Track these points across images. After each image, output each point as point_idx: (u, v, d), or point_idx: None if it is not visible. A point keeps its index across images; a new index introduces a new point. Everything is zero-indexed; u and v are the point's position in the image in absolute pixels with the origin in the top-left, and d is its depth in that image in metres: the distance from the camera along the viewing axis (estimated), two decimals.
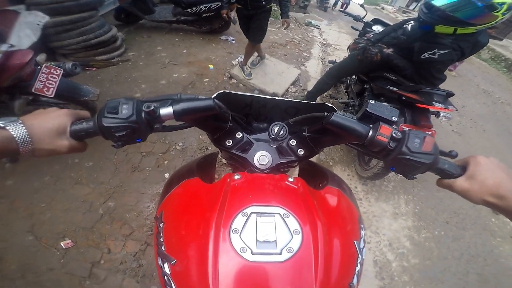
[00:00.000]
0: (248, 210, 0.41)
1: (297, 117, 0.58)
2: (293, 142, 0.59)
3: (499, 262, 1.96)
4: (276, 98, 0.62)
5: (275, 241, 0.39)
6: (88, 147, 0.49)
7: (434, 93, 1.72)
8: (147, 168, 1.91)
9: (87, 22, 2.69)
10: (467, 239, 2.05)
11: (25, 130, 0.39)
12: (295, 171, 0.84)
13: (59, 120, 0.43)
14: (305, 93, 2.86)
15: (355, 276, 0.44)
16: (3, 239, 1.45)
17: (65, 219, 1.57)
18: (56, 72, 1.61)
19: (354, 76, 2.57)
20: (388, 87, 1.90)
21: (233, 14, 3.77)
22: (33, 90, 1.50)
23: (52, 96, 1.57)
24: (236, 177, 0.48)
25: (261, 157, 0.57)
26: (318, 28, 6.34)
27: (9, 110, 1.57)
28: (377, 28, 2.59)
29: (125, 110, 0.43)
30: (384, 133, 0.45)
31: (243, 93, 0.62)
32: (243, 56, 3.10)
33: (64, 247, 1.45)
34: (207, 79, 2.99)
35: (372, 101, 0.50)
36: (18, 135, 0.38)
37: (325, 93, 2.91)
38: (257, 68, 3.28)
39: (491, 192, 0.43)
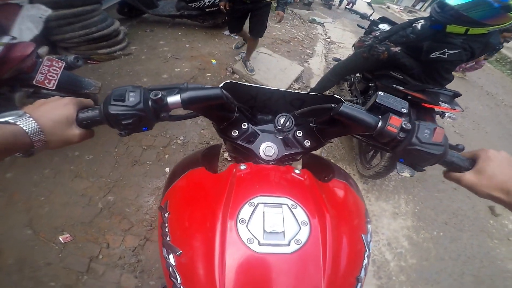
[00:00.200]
0: (255, 200, 0.41)
1: (303, 108, 0.57)
2: (299, 134, 0.58)
3: (495, 264, 1.96)
4: (282, 90, 0.62)
5: (283, 232, 0.39)
6: (89, 140, 0.48)
7: (440, 93, 1.70)
8: (147, 162, 1.90)
9: (90, 15, 2.65)
10: (464, 241, 2.06)
11: (35, 123, 0.38)
12: (299, 165, 0.84)
13: (66, 110, 0.42)
14: (308, 90, 2.84)
15: (362, 270, 0.44)
16: (1, 233, 1.44)
17: (64, 213, 1.56)
18: (58, 64, 1.59)
19: (358, 74, 2.54)
20: (393, 86, 1.87)
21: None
22: (34, 82, 1.49)
23: (53, 88, 1.55)
24: (242, 167, 0.48)
25: (267, 148, 0.57)
26: (322, 26, 6.29)
27: (9, 102, 1.56)
28: (384, 26, 2.56)
29: (132, 98, 0.43)
30: (394, 123, 0.44)
31: (249, 84, 0.61)
32: (245, 52, 3.08)
33: (62, 241, 1.44)
34: (209, 74, 2.97)
35: (381, 93, 0.49)
36: (29, 129, 0.38)
37: (328, 91, 2.88)
38: (260, 63, 3.26)
39: (499, 187, 0.42)
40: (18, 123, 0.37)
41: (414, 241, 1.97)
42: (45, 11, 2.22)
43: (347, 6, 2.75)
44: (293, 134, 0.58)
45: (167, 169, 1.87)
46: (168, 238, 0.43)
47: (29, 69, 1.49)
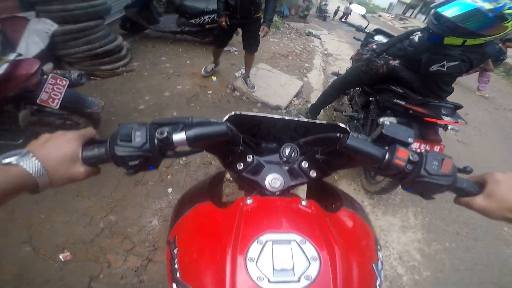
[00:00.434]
0: (264, 238, 0.41)
1: (308, 137, 0.57)
2: (305, 164, 0.57)
3: None
4: (286, 118, 0.61)
5: (293, 269, 0.38)
6: None
7: (442, 106, 1.69)
8: (150, 183, 1.88)
9: (94, 31, 2.71)
10: (479, 249, 2.00)
11: (39, 163, 0.38)
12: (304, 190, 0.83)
13: (70, 147, 0.42)
14: (309, 106, 2.81)
15: None
16: None
17: (65, 231, 1.54)
18: (62, 82, 1.61)
19: (358, 88, 2.54)
20: (394, 100, 1.87)
21: None
22: (38, 101, 1.50)
23: (57, 107, 1.57)
24: (249, 201, 0.48)
25: (273, 180, 0.56)
26: (318, 38, 6.44)
27: (13, 120, 1.57)
28: (379, 38, 2.58)
29: (138, 138, 0.42)
30: (401, 156, 0.44)
31: (253, 114, 0.61)
32: (244, 68, 3.11)
33: (62, 259, 1.41)
34: (210, 91, 2.98)
35: (387, 122, 0.49)
36: (33, 170, 0.37)
37: (329, 106, 2.88)
38: (260, 79, 3.28)
39: (511, 208, 0.43)
40: (21, 164, 0.37)
41: (426, 254, 1.92)
42: (51, 26, 2.30)
43: (342, 19, 2.79)
44: (298, 164, 0.58)
45: (170, 190, 1.85)
46: (178, 274, 0.43)
47: (33, 87, 1.50)
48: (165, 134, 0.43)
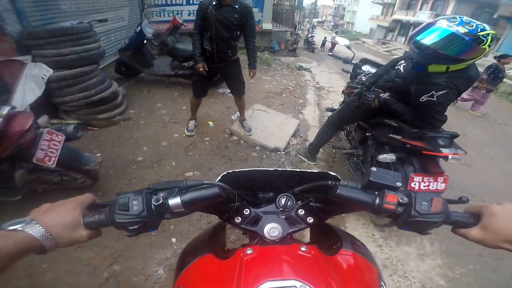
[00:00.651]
0: (264, 286, 0.41)
1: (302, 186, 0.60)
2: (301, 212, 0.60)
3: None
4: (279, 169, 0.65)
5: None
6: None
7: (438, 137, 1.68)
8: (153, 233, 1.82)
9: (89, 77, 2.69)
10: (507, 268, 1.93)
11: (43, 229, 0.41)
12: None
13: (71, 215, 0.45)
14: (307, 144, 2.78)
15: None
16: None
17: (68, 280, 1.48)
18: (58, 138, 1.57)
19: (354, 123, 2.54)
20: (391, 135, 1.86)
21: None
22: (34, 160, 1.45)
23: (53, 166, 1.51)
24: (249, 251, 0.49)
25: (271, 230, 0.58)
26: (309, 71, 6.72)
27: (9, 180, 1.51)
28: (367, 68, 2.64)
29: (136, 207, 0.45)
30: (391, 201, 0.48)
31: (246, 169, 0.64)
32: (238, 112, 3.08)
33: None
34: (208, 138, 2.95)
35: (374, 169, 0.52)
36: (38, 234, 0.41)
37: (327, 143, 2.82)
38: (256, 121, 3.26)
39: (506, 239, 0.45)
40: (27, 230, 0.40)
41: (451, 278, 1.82)
42: (47, 71, 2.34)
43: (330, 53, 2.93)
44: (295, 212, 0.60)
45: (174, 240, 1.79)
46: None
47: (28, 145, 1.45)
48: (161, 201, 0.47)
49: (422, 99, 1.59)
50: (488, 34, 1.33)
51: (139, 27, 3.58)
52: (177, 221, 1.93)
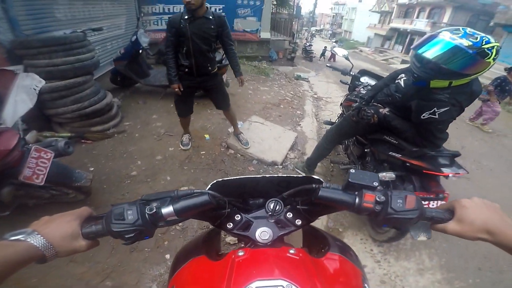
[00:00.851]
0: (253, 285, 0.44)
1: (289, 191, 0.64)
2: (289, 215, 0.63)
3: None
4: (267, 176, 0.69)
5: None
6: None
7: (439, 156, 1.63)
8: (146, 249, 1.78)
9: (82, 88, 2.60)
10: (507, 282, 1.93)
11: (44, 239, 0.43)
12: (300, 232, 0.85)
13: (69, 227, 0.47)
14: (305, 158, 2.73)
15: None
16: None
17: None
18: (47, 156, 1.50)
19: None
20: (390, 153, 1.81)
21: (225, 76, 3.89)
22: (21, 179, 1.39)
23: (42, 183, 1.46)
24: (240, 253, 0.51)
25: (262, 233, 0.61)
26: (307, 81, 6.72)
27: None
28: (365, 80, 2.61)
29: (131, 216, 0.48)
30: (369, 199, 0.51)
31: (235, 178, 0.67)
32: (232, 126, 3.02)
33: None
34: (204, 152, 2.87)
35: (352, 170, 0.55)
36: (39, 244, 0.43)
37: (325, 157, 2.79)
38: (253, 134, 3.20)
39: (481, 230, 0.47)
40: (28, 240, 0.42)
41: None
42: (39, 82, 2.26)
43: (328, 64, 2.91)
44: (284, 215, 0.63)
45: (167, 256, 1.75)
46: None
47: (15, 163, 1.39)
48: (155, 210, 0.50)
49: (424, 116, 1.51)
50: (493, 47, 1.26)
51: (135, 36, 3.54)
52: (171, 237, 1.88)
